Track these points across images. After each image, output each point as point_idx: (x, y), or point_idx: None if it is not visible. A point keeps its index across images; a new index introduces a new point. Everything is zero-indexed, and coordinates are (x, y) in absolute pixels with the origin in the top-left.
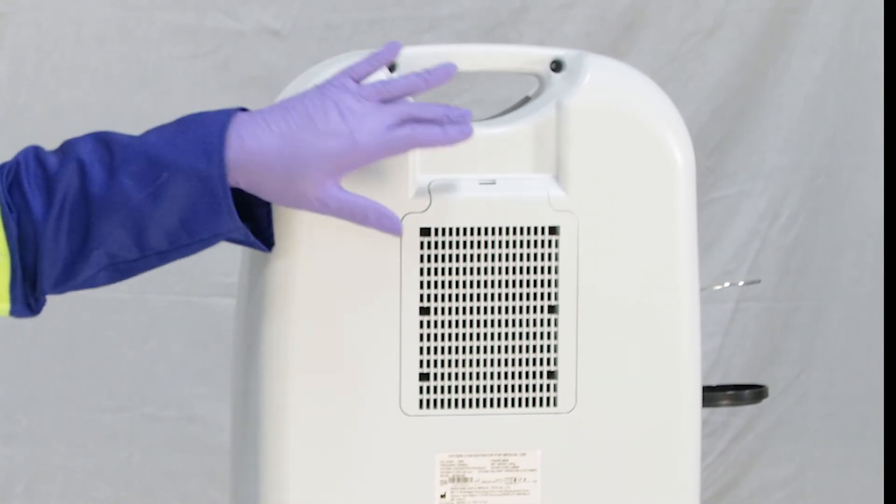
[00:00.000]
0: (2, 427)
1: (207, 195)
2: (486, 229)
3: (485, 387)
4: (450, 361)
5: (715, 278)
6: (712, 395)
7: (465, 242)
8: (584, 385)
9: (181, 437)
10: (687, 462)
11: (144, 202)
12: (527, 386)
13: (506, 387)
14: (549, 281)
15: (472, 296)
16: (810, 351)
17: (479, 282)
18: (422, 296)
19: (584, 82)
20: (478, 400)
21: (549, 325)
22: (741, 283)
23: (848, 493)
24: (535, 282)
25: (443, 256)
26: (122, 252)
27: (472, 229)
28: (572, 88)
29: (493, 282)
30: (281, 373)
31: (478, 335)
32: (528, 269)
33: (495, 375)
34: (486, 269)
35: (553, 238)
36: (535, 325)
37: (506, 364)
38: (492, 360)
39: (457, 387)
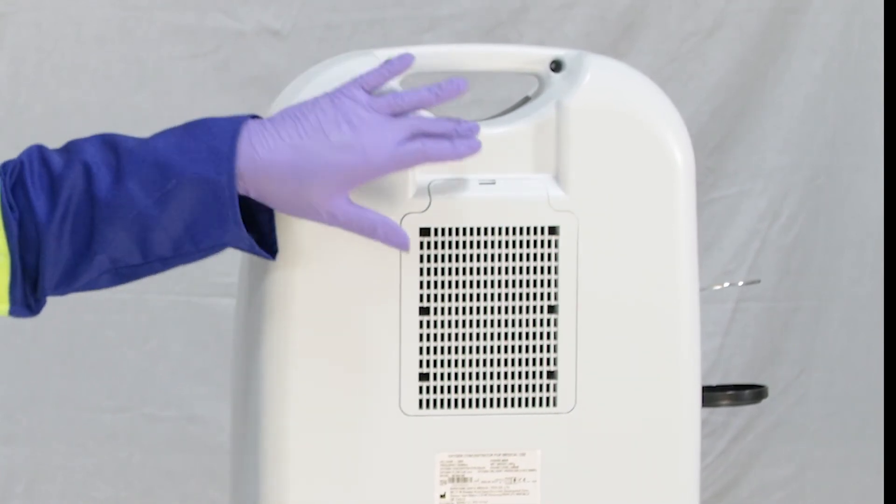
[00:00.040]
0: (2, 427)
1: (215, 204)
2: (485, 229)
3: (485, 387)
4: (450, 361)
5: (715, 278)
6: (712, 395)
7: (464, 242)
8: (584, 385)
9: (181, 437)
10: (687, 462)
11: (151, 208)
12: (526, 386)
13: (506, 387)
14: (549, 281)
15: (471, 296)
16: (810, 351)
17: (478, 282)
18: (422, 296)
19: (584, 82)
20: (478, 400)
21: (548, 325)
22: (741, 283)
23: (848, 493)
24: (534, 282)
25: (443, 256)
26: (126, 257)
27: (471, 229)
28: (572, 88)
29: (492, 282)
30: (281, 373)
31: (478, 335)
32: (527, 269)
33: (495, 375)
34: (485, 269)
35: (553, 238)
36: (534, 325)
37: (506, 364)
38: (492, 360)
39: (457, 387)
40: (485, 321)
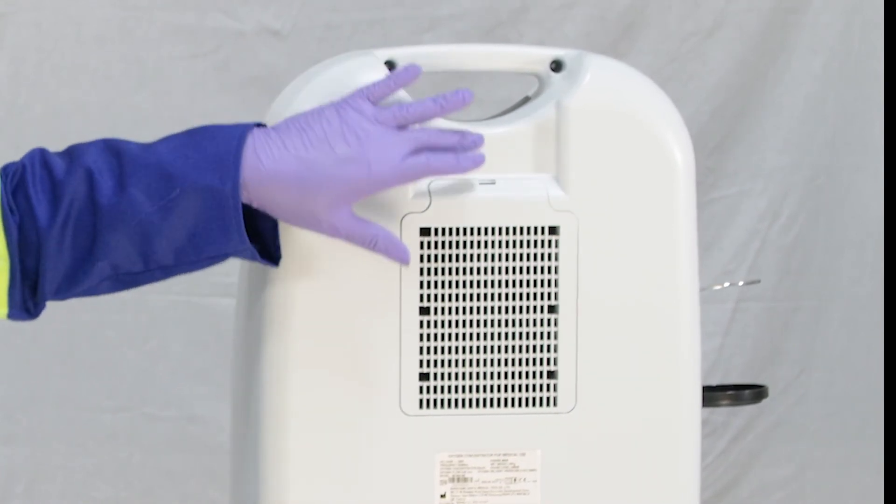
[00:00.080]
0: (2, 427)
1: (219, 213)
2: (485, 229)
3: (485, 387)
4: (450, 361)
5: (715, 278)
6: (712, 395)
7: (464, 242)
8: (584, 385)
9: (181, 437)
10: (687, 462)
11: (153, 216)
12: (527, 386)
13: (506, 387)
14: (549, 281)
15: (472, 296)
16: (810, 351)
17: (479, 282)
18: (422, 296)
19: (584, 82)
20: (478, 400)
21: (549, 325)
22: (741, 283)
23: (848, 493)
24: (535, 282)
25: (443, 256)
26: (127, 264)
27: (471, 229)
28: (572, 88)
29: (493, 282)
30: (281, 373)
31: (478, 335)
32: (528, 269)
33: (495, 375)
34: (485, 269)
35: (553, 238)
36: (535, 325)
37: (506, 364)
38: (492, 360)
39: (457, 387)
40: (485, 321)
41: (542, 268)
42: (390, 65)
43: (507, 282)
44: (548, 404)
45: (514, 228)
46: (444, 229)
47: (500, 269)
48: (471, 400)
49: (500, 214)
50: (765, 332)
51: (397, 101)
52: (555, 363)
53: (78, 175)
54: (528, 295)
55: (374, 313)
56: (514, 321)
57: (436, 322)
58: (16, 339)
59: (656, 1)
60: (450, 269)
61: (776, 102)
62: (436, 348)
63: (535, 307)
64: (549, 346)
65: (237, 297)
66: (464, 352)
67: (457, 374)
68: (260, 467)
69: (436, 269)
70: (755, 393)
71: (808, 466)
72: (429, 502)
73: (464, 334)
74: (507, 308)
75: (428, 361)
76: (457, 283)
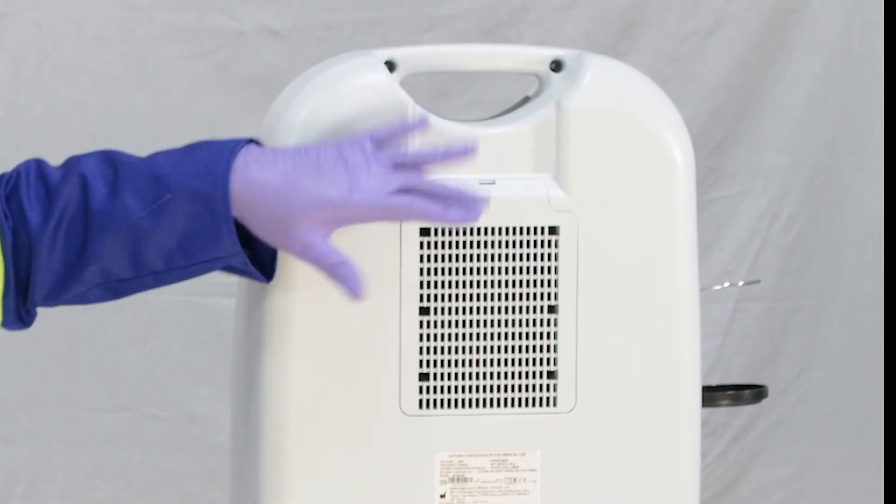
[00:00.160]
0: (2, 427)
1: (209, 218)
2: (485, 229)
3: (485, 387)
4: (450, 361)
5: (715, 278)
6: (712, 395)
7: (464, 242)
8: (584, 385)
9: (181, 437)
10: (687, 462)
11: (144, 220)
12: (527, 386)
13: (506, 387)
14: (549, 281)
15: (472, 296)
16: (810, 351)
17: (478, 282)
18: (422, 296)
19: (584, 82)
20: (478, 400)
21: (548, 325)
22: (741, 283)
23: (848, 493)
24: (535, 282)
25: (443, 256)
26: (117, 270)
27: (471, 229)
28: (572, 88)
29: (492, 282)
30: (281, 372)
31: (478, 335)
32: (528, 269)
33: (495, 375)
34: (485, 269)
35: (553, 238)
36: (534, 324)
37: (506, 364)
38: (492, 360)
39: (457, 387)
40: (485, 321)
41: (542, 268)
42: (390, 65)
43: (506, 282)
44: (548, 404)
45: (514, 228)
46: (443, 229)
47: (500, 269)
48: (471, 400)
49: (500, 214)
50: (765, 332)
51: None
52: (555, 363)
53: (72, 181)
54: (527, 295)
55: (374, 313)
56: (513, 321)
57: (436, 322)
58: (16, 339)
59: (656, 1)
60: (450, 269)
61: (776, 102)
62: (436, 348)
63: (535, 307)
64: (549, 346)
65: (237, 297)
66: (464, 352)
67: (457, 374)
68: (260, 467)
69: (436, 269)
70: (755, 393)
71: (808, 466)
72: (429, 502)
73: (464, 334)
74: (506, 308)
75: (428, 361)
76: (457, 283)
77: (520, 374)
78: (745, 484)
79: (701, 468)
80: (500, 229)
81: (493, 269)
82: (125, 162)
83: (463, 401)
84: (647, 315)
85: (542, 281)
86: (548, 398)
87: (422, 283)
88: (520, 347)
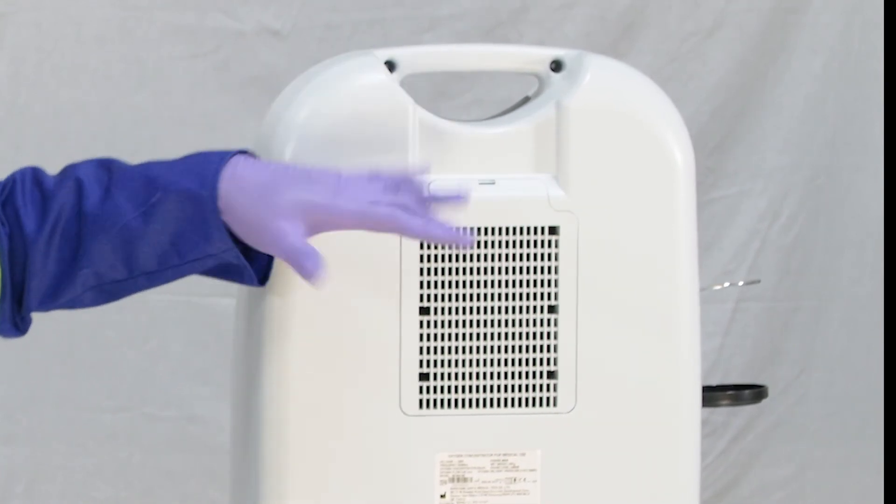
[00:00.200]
0: (2, 427)
1: (199, 217)
2: (486, 229)
3: (485, 387)
4: (450, 361)
5: (715, 278)
6: (712, 395)
7: None
8: (584, 385)
9: (181, 437)
10: (687, 462)
11: (136, 220)
12: (527, 386)
13: (506, 387)
14: (549, 281)
15: (472, 296)
16: (810, 351)
17: (479, 282)
18: (422, 296)
19: (584, 82)
20: (478, 400)
21: (549, 325)
22: (741, 283)
23: (848, 493)
24: (535, 282)
25: (443, 256)
26: (111, 272)
27: (471, 229)
28: (572, 88)
29: (493, 282)
30: (281, 372)
31: (478, 335)
32: (528, 269)
33: (495, 375)
34: (485, 269)
35: (553, 238)
36: (535, 325)
37: (506, 364)
38: (492, 360)
39: (457, 387)
40: (485, 321)
41: (542, 268)
42: (390, 65)
43: (506, 282)
44: (548, 404)
45: (514, 228)
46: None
47: (499, 268)
48: (471, 400)
49: (500, 214)
50: (765, 332)
51: None
52: (555, 363)
53: (68, 186)
54: (527, 295)
55: (373, 313)
56: (513, 321)
57: (436, 322)
58: (16, 339)
59: (656, 1)
60: (450, 269)
61: (776, 102)
62: (436, 348)
63: (535, 307)
64: (549, 346)
65: (237, 297)
66: (464, 352)
67: (457, 374)
68: (260, 467)
69: (436, 269)
70: (755, 393)
71: (808, 466)
72: (429, 502)
73: (464, 334)
74: (507, 308)
75: (428, 361)
76: (457, 283)
77: (520, 374)
78: (745, 484)
79: (701, 468)
80: (500, 229)
81: (493, 269)
82: (121, 168)
83: (463, 401)
84: (647, 315)
85: (542, 281)
86: (548, 398)
87: (422, 283)
88: (520, 347)
